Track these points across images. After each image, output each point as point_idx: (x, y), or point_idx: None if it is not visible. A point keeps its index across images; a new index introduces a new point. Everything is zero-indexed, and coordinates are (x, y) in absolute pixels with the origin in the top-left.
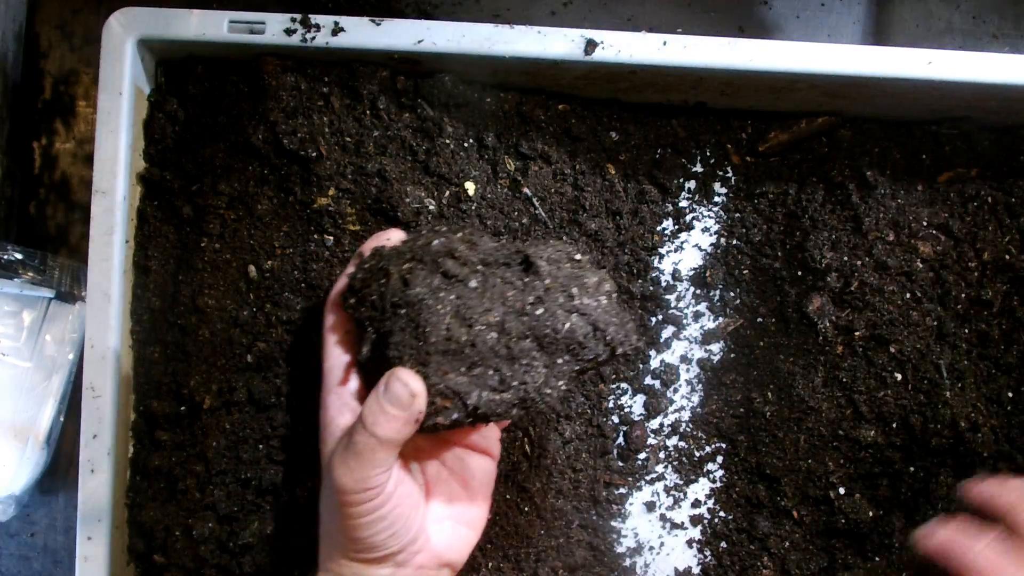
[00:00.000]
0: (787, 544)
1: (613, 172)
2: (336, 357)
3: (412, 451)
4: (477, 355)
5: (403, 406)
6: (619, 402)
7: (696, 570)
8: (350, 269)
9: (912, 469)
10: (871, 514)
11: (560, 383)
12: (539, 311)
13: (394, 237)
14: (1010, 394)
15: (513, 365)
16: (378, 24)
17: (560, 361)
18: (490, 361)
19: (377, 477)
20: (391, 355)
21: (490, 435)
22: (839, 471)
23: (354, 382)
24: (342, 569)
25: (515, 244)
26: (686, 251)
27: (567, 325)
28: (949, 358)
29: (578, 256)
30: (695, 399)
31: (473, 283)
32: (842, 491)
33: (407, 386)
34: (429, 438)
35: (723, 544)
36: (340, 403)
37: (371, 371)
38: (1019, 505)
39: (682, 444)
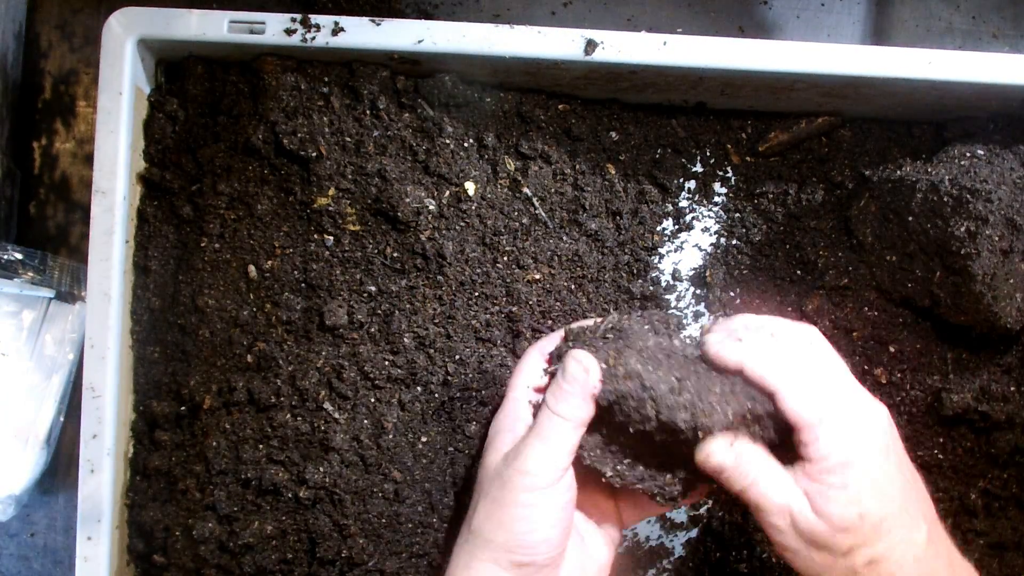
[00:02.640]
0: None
1: (613, 172)
2: (522, 390)
3: (578, 496)
4: (665, 361)
5: (579, 381)
6: None
7: (694, 569)
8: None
9: None
10: None
11: (720, 417)
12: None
13: None
14: (1012, 388)
15: (691, 380)
16: (378, 24)
17: (730, 411)
18: (673, 371)
19: (558, 459)
20: (587, 349)
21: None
22: None
23: (525, 424)
24: (474, 573)
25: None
26: (686, 251)
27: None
28: (950, 355)
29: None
30: None
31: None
32: None
33: (580, 363)
34: (593, 486)
35: (721, 543)
36: (514, 420)
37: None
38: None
39: None
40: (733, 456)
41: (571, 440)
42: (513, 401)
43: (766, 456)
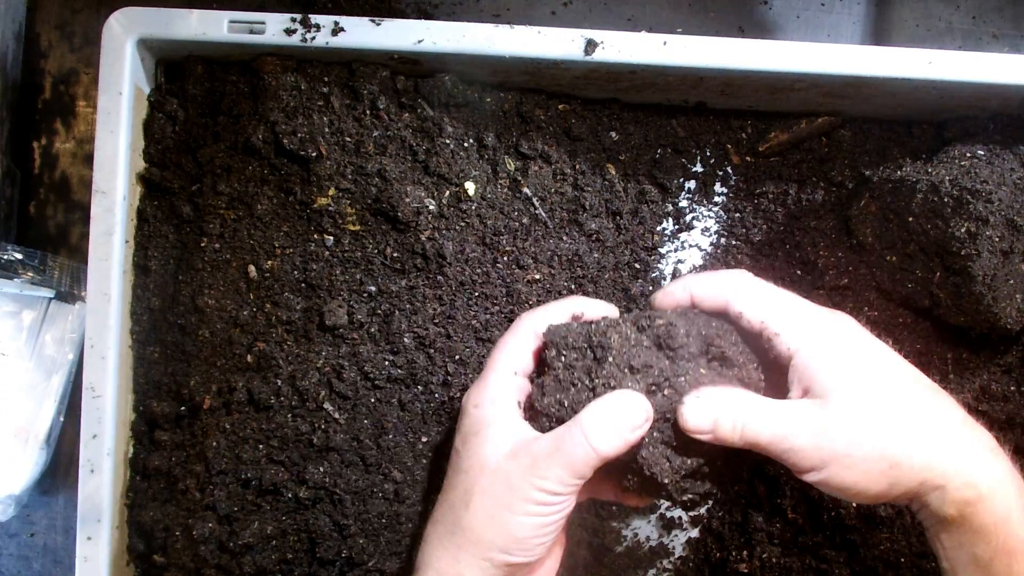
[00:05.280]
0: (776, 540)
1: (613, 172)
2: (504, 366)
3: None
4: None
5: (636, 426)
6: None
7: (694, 569)
8: (555, 306)
9: None
10: (855, 505)
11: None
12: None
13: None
14: (1012, 388)
15: (674, 364)
16: (378, 24)
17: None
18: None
19: (580, 479)
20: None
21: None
22: None
23: (503, 407)
24: (460, 568)
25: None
26: (686, 251)
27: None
28: (950, 355)
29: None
30: None
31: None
32: None
33: (640, 409)
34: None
35: (721, 543)
36: (491, 401)
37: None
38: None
39: None
40: (708, 411)
41: (596, 465)
42: (495, 375)
43: (745, 395)
